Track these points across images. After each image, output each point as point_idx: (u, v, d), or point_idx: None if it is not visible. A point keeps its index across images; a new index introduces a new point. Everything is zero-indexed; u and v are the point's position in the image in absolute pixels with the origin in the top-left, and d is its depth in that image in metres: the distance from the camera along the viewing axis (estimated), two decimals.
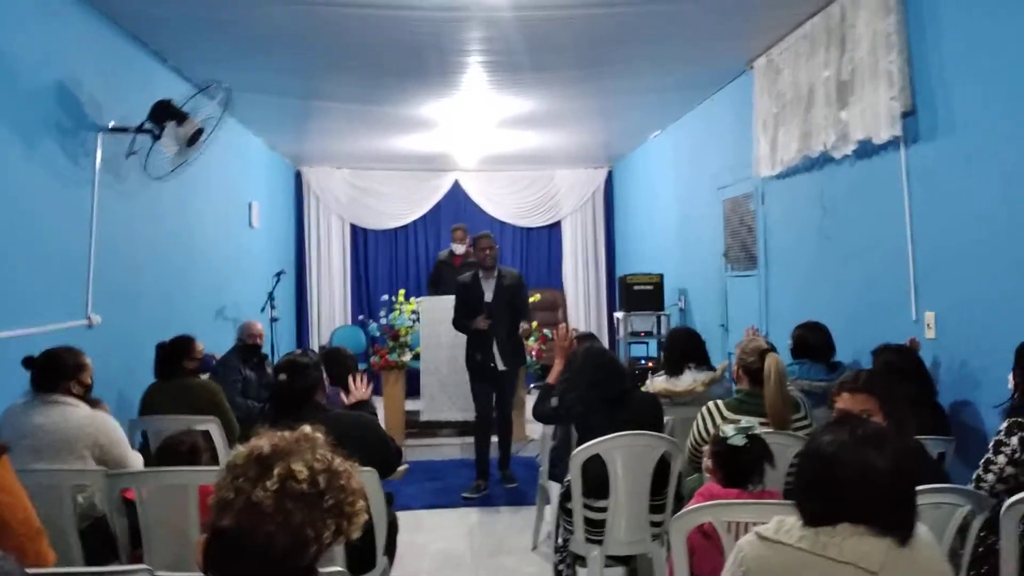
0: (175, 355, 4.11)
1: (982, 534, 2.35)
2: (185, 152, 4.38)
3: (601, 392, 3.18)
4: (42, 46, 3.57)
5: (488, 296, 5.25)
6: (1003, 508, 2.18)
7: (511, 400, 5.52)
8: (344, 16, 4.17)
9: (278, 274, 7.23)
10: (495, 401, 5.35)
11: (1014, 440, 2.45)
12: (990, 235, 3.12)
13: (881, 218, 3.89)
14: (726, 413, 3.01)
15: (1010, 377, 2.57)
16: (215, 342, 5.43)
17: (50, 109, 3.65)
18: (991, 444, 2.54)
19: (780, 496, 2.47)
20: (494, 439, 5.41)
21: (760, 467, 2.44)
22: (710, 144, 6.36)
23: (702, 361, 4.00)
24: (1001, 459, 2.48)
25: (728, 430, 2.44)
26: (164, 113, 4.22)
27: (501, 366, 5.26)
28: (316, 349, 7.83)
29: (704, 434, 3.04)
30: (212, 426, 3.60)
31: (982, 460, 2.55)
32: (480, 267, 5.36)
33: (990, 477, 2.51)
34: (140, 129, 4.18)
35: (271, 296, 6.94)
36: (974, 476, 2.56)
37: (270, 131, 7.43)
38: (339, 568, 1.94)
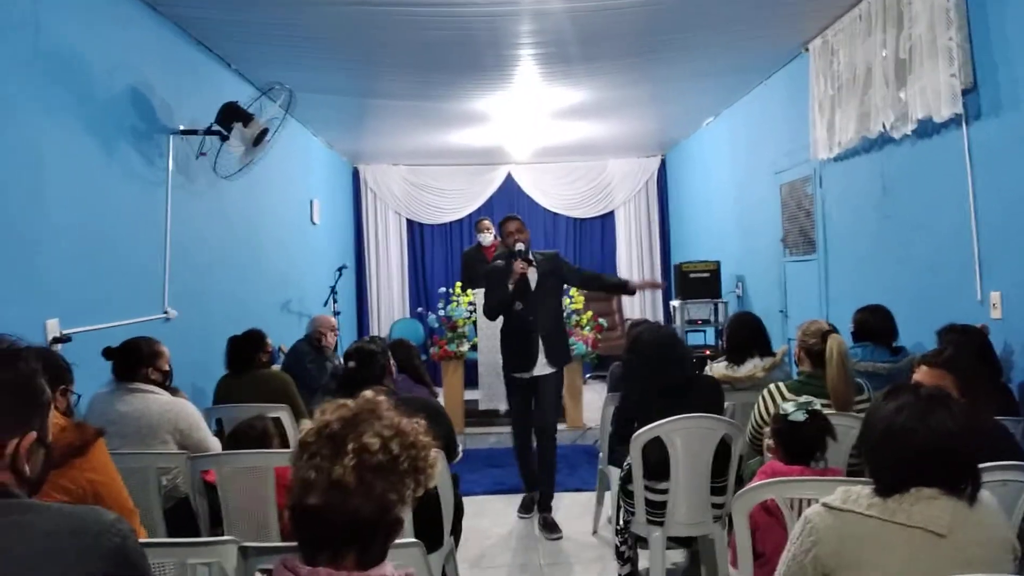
0: (248, 348, 4.27)
1: None
2: (251, 152, 4.55)
3: (665, 379, 3.19)
4: (115, 53, 3.76)
5: (531, 285, 4.41)
6: None
7: (555, 417, 4.56)
8: (397, 14, 4.26)
9: (339, 269, 7.42)
10: (537, 412, 4.48)
11: None
12: None
13: (943, 197, 3.83)
14: (787, 395, 3.01)
15: None
16: (281, 336, 5.62)
17: (125, 113, 3.84)
18: None
19: (843, 474, 2.48)
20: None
21: (822, 443, 2.45)
22: (765, 128, 6.30)
23: (765, 349, 3.97)
24: None
25: (788, 407, 2.46)
26: (231, 115, 4.39)
27: (545, 368, 4.40)
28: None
29: (765, 415, 3.05)
30: (283, 413, 3.75)
31: None
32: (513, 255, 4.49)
33: None
34: (208, 131, 4.36)
35: (333, 290, 7.12)
36: None
37: (328, 130, 7.63)
38: (413, 539, 2.03)
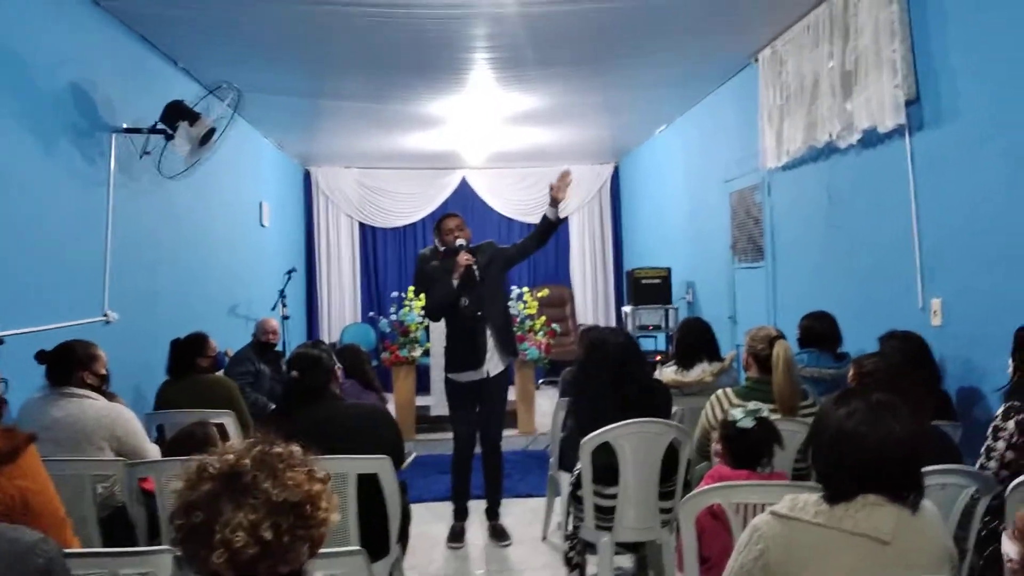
0: (189, 352, 4.17)
1: (986, 518, 2.38)
2: (197, 152, 4.44)
3: (625, 385, 3.17)
4: (57, 48, 3.64)
5: (475, 278, 4.18)
6: (1007, 490, 2.21)
7: (502, 419, 4.43)
8: (350, 15, 4.21)
9: (289, 272, 7.29)
10: (482, 422, 4.31)
11: (1011, 424, 2.47)
12: (995, 221, 3.15)
13: (887, 206, 3.92)
14: (735, 400, 3.04)
15: (1010, 361, 2.59)
16: (228, 340, 5.51)
17: (66, 110, 3.72)
18: (989, 430, 2.56)
19: (788, 478, 2.51)
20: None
21: (769, 449, 2.47)
22: (716, 137, 6.39)
23: (713, 354, 4.01)
24: (1000, 444, 2.49)
25: (737, 413, 2.48)
26: (177, 113, 4.28)
27: (497, 364, 4.25)
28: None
29: (713, 421, 3.07)
30: (227, 419, 3.66)
31: (983, 447, 2.57)
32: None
33: (992, 464, 2.52)
34: (153, 129, 4.25)
35: (282, 294, 7.01)
36: (977, 465, 2.58)
37: (279, 131, 7.51)
38: (356, 547, 1.99)
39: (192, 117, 4.30)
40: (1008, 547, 1.54)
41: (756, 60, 5.21)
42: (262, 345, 5.49)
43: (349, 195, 9.59)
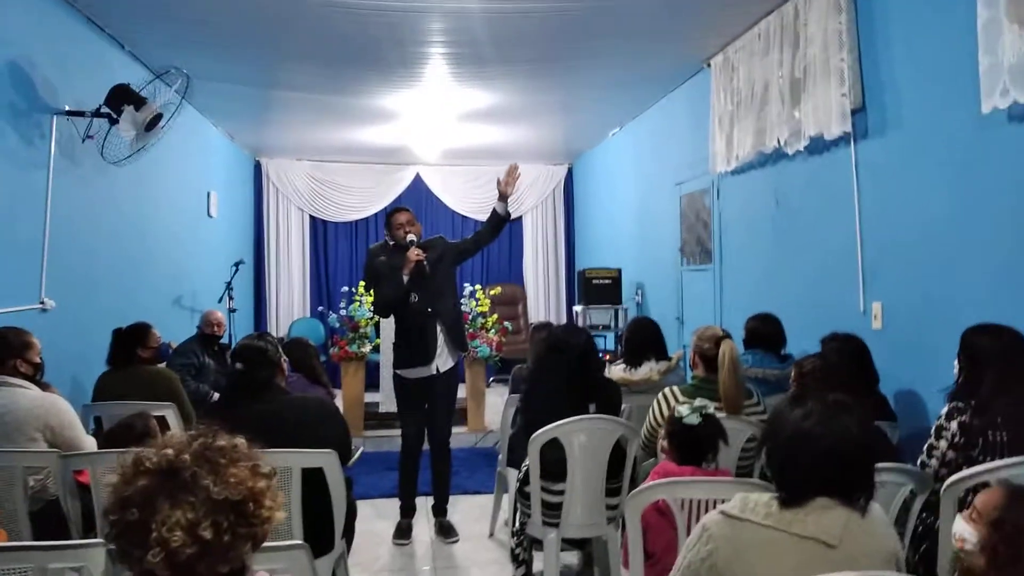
0: (131, 342, 4.06)
1: (923, 515, 2.45)
2: (143, 138, 4.32)
3: (582, 381, 3.19)
4: None
5: (426, 274, 4.13)
6: (943, 488, 2.28)
7: (451, 416, 4.41)
8: (305, 4, 4.15)
9: (236, 264, 7.15)
10: (430, 419, 4.27)
11: (953, 424, 2.54)
12: (935, 228, 3.25)
13: (832, 212, 4.01)
14: (681, 397, 3.08)
15: (955, 362, 2.67)
16: (172, 331, 5.37)
17: (2, 90, 3.58)
18: (933, 429, 2.64)
19: (732, 475, 2.55)
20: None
21: (714, 445, 2.51)
22: (668, 141, 6.46)
23: (661, 353, 4.06)
24: (942, 444, 2.57)
25: (683, 410, 2.50)
26: (122, 97, 4.16)
27: (447, 360, 4.22)
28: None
29: (660, 418, 3.11)
30: (168, 412, 3.57)
31: (925, 446, 2.65)
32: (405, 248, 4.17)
33: (933, 462, 2.60)
34: (97, 113, 4.12)
35: (229, 286, 6.87)
36: (918, 462, 2.65)
37: (229, 121, 7.36)
38: (299, 542, 1.96)
39: (138, 102, 4.18)
40: (963, 529, 1.59)
41: (709, 65, 5.29)
42: (207, 337, 5.37)
43: (300, 188, 9.45)
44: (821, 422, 1.59)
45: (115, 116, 4.14)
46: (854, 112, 3.67)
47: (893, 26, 3.48)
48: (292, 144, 8.55)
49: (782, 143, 4.28)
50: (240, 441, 1.35)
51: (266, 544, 1.35)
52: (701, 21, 4.60)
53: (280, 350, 3.07)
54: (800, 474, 1.60)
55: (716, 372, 3.06)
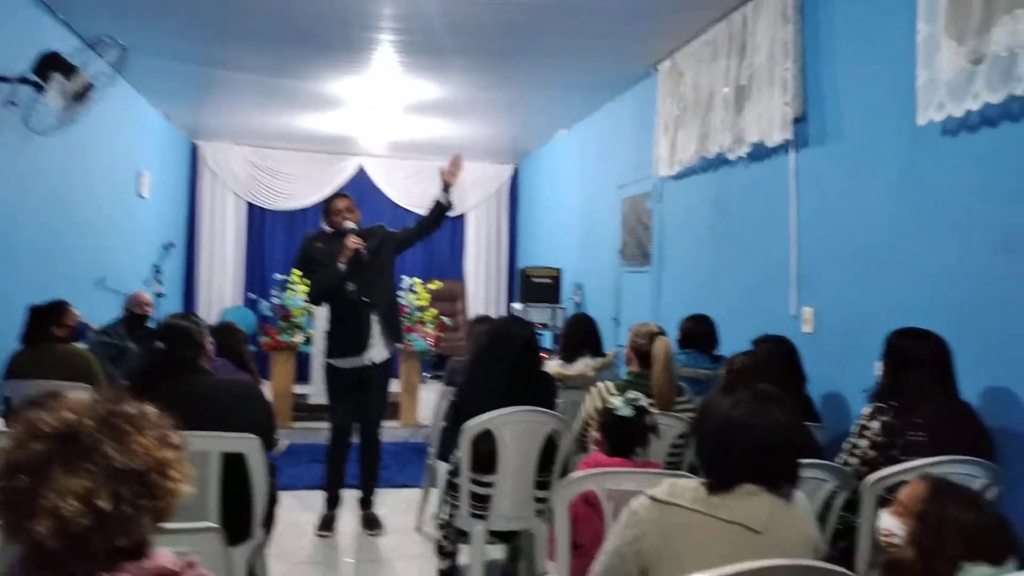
0: (46, 320, 3.88)
1: (843, 513, 2.50)
2: (72, 108, 4.14)
3: (523, 373, 3.17)
4: None
5: (364, 263, 4.07)
6: (864, 486, 2.32)
7: (383, 408, 4.35)
8: None
9: (166, 246, 6.91)
10: (360, 411, 4.19)
11: (876, 424, 2.60)
12: (866, 237, 3.32)
13: (769, 218, 4.08)
14: (615, 391, 3.07)
15: (879, 364, 2.73)
16: (94, 312, 5.15)
17: None
18: (855, 428, 2.70)
19: (662, 467, 2.55)
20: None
21: (645, 437, 2.51)
22: (614, 144, 6.50)
23: (597, 349, 4.09)
24: (864, 443, 2.62)
25: (616, 401, 2.50)
26: (51, 65, 3.98)
27: (381, 351, 4.15)
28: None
29: (593, 412, 3.09)
30: (83, 394, 3.40)
31: (846, 444, 2.70)
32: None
33: (854, 460, 2.65)
34: (23, 80, 3.92)
35: (157, 269, 6.63)
36: (841, 461, 2.70)
37: (166, 100, 7.08)
38: (211, 524, 1.87)
39: (68, 70, 4.01)
40: (889, 523, 1.61)
41: (657, 70, 5.33)
42: (133, 318, 5.18)
43: (238, 173, 9.21)
44: (750, 411, 1.61)
45: (42, 84, 3.95)
46: (796, 121, 3.74)
47: (837, 38, 3.55)
48: (232, 127, 8.31)
49: (724, 149, 4.34)
50: (150, 408, 1.27)
51: (176, 525, 1.28)
52: (652, 26, 4.64)
53: (206, 331, 2.96)
54: (728, 461, 1.61)
55: (650, 368, 3.08)
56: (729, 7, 4.23)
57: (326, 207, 4.27)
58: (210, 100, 7.10)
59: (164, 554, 1.21)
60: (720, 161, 4.56)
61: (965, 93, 2.62)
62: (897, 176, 3.14)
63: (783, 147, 3.88)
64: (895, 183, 3.16)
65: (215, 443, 2.56)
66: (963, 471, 2.30)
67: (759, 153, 4.12)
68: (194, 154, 9.09)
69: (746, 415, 1.61)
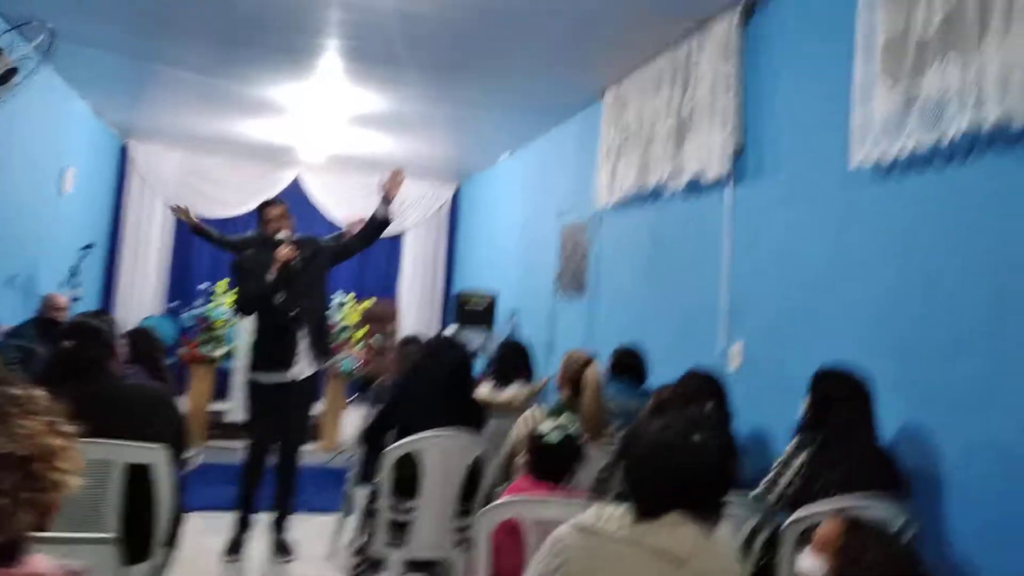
0: None
1: (762, 550, 2.48)
2: None
3: (448, 400, 3.08)
4: None
5: (294, 274, 3.94)
6: (784, 524, 2.31)
7: (305, 428, 4.29)
8: None
9: (86, 247, 6.59)
10: (281, 430, 4.05)
11: (803, 456, 2.61)
12: (797, 272, 3.36)
13: (702, 252, 4.10)
14: (545, 419, 3.01)
15: (804, 400, 2.74)
16: (2, 311, 4.86)
17: None
18: (777, 463, 2.70)
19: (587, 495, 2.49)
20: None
21: (573, 465, 2.45)
22: (556, 170, 6.51)
23: (529, 376, 4.04)
24: (788, 474, 2.63)
25: (545, 427, 2.44)
26: None
27: (305, 368, 4.01)
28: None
29: (522, 438, 3.03)
30: None
31: (766, 479, 2.70)
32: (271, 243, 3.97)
33: (771, 497, 2.65)
34: None
35: (73, 270, 6.31)
36: (752, 495, 2.69)
37: (97, 93, 6.79)
38: (106, 535, 1.72)
39: None
40: (809, 563, 1.59)
41: (601, 98, 5.36)
42: (45, 322, 4.89)
43: (168, 177, 8.87)
44: (680, 435, 1.57)
45: None
46: (735, 155, 3.77)
47: (779, 74, 3.60)
48: (165, 128, 8.01)
49: (663, 180, 4.36)
50: (39, 393, 1.15)
51: (66, 534, 1.15)
52: (600, 52, 4.67)
53: (115, 332, 2.79)
54: (656, 486, 1.57)
55: (580, 396, 3.03)
56: (674, 39, 4.28)
57: (259, 214, 4.14)
58: (144, 96, 6.83)
59: (41, 559, 1.09)
60: (658, 193, 4.58)
61: (898, 134, 2.67)
62: (829, 215, 3.19)
63: (720, 183, 3.91)
64: (827, 223, 3.20)
65: (119, 452, 2.39)
66: (879, 510, 2.31)
67: (696, 186, 4.14)
68: (123, 153, 8.75)
69: (675, 439, 1.58)
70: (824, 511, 2.24)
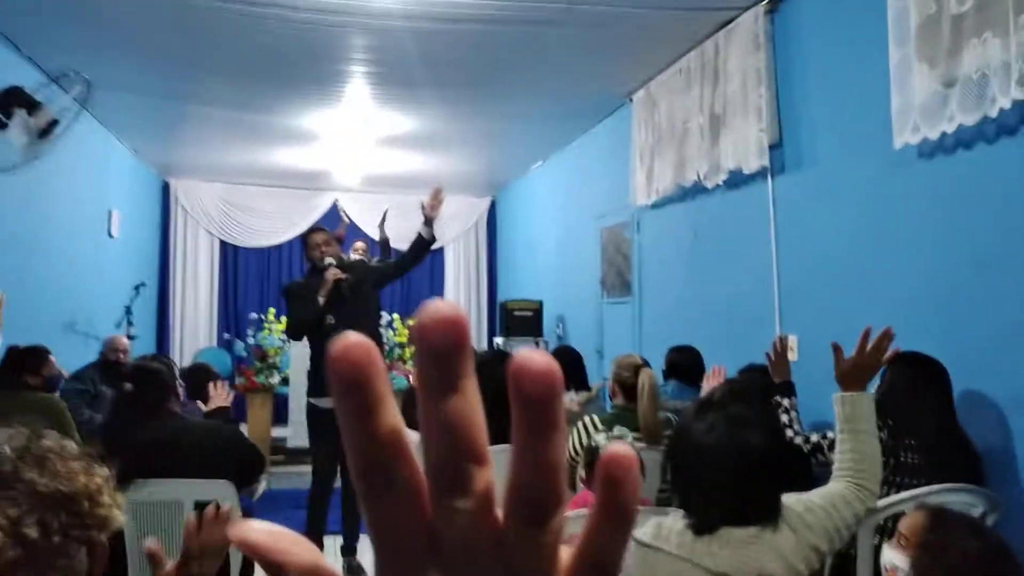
0: (20, 365, 3.73)
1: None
2: (37, 145, 4.06)
3: (500, 414, 3.08)
4: None
5: (344, 296, 4.06)
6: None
7: None
8: (220, 12, 3.97)
9: (138, 287, 6.76)
10: (342, 453, 4.24)
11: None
12: (845, 262, 3.30)
13: (748, 245, 4.05)
14: (600, 427, 3.00)
15: (876, 387, 2.68)
16: (64, 358, 4.97)
17: None
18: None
19: (651, 504, 2.47)
20: None
21: None
22: (590, 174, 6.49)
23: (582, 383, 4.02)
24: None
25: (600, 439, 2.42)
26: (14, 101, 3.91)
27: None
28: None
29: (579, 448, 3.01)
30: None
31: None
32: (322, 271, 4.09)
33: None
34: None
35: (128, 310, 6.47)
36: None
37: (135, 136, 6.98)
38: None
39: (32, 106, 3.93)
40: (894, 557, 1.56)
41: (631, 100, 5.34)
42: (108, 364, 5.00)
43: (210, 211, 9.07)
44: (723, 435, 1.54)
45: (5, 120, 3.87)
46: (771, 147, 3.73)
47: (810, 64, 3.56)
48: (203, 164, 8.21)
49: (701, 177, 4.32)
50: (70, 443, 1.18)
51: None
52: (624, 57, 4.65)
53: (175, 373, 2.86)
54: (704, 497, 1.55)
55: (635, 401, 3.01)
56: (700, 36, 4.24)
57: (304, 242, 4.27)
58: (180, 136, 7.01)
59: None
60: (697, 189, 4.54)
61: (940, 116, 2.62)
62: (874, 200, 3.13)
63: (760, 174, 3.86)
64: (872, 207, 3.14)
65: (188, 490, 2.45)
66: (960, 499, 2.25)
67: (736, 180, 4.10)
68: (165, 191, 8.97)
69: (720, 439, 1.55)
70: (904, 500, 2.20)
